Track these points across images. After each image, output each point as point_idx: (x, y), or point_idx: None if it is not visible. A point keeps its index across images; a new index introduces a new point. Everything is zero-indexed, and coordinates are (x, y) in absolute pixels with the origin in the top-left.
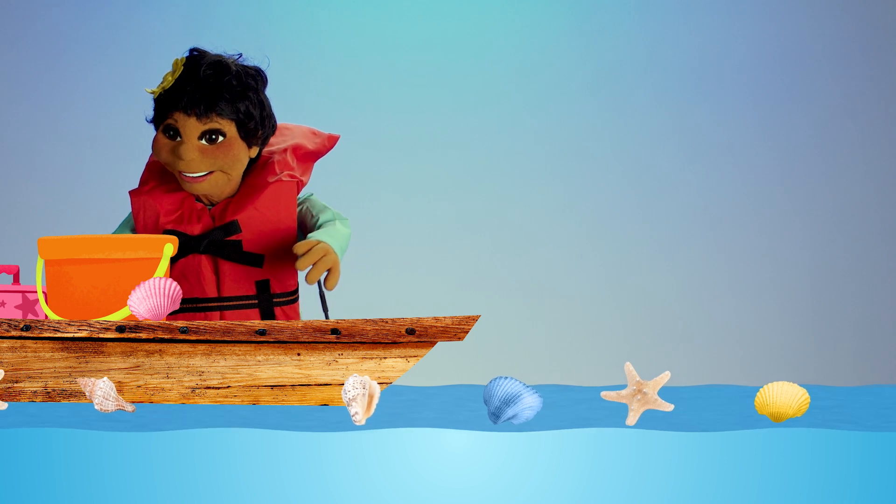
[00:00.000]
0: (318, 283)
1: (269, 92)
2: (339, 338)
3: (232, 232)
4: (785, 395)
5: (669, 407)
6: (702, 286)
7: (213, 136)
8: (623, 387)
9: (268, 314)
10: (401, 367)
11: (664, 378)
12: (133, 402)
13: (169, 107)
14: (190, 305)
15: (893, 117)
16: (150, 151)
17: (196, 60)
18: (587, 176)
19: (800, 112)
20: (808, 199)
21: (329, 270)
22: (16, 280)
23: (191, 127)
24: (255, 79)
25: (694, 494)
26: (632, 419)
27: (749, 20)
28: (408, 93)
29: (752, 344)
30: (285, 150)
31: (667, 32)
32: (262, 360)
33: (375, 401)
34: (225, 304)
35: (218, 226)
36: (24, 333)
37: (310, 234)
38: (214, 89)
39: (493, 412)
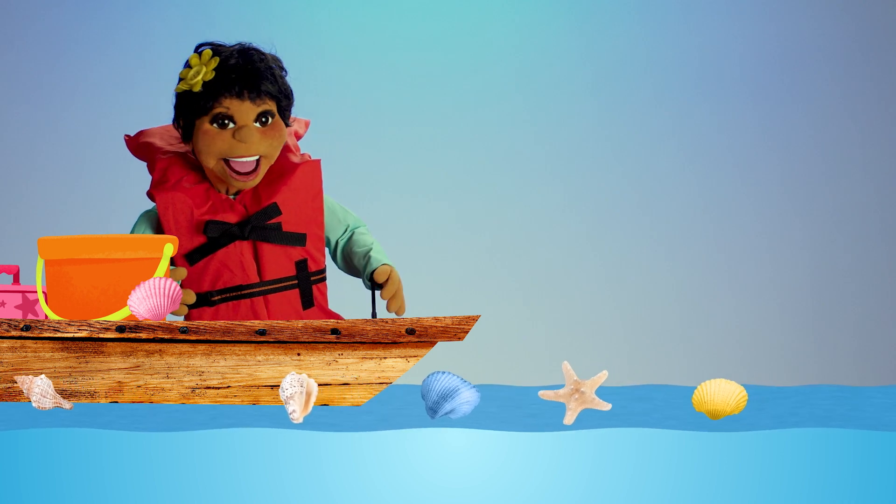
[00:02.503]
0: (375, 294)
1: None
2: (339, 338)
3: (272, 215)
4: (722, 393)
5: (607, 406)
6: (702, 286)
7: (266, 118)
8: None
9: (307, 293)
10: (401, 367)
11: (602, 377)
12: (133, 402)
13: (216, 95)
14: (234, 294)
15: (893, 117)
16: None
17: (222, 51)
18: (587, 176)
19: (800, 112)
20: (808, 199)
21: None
22: (16, 280)
23: (246, 110)
24: (278, 62)
25: (695, 494)
26: (569, 418)
27: (749, 20)
28: (408, 93)
29: (752, 344)
30: (290, 133)
31: (667, 32)
32: (262, 360)
33: (313, 399)
34: (267, 287)
35: (257, 211)
36: (24, 333)
37: (377, 257)
38: (259, 72)
39: (430, 407)
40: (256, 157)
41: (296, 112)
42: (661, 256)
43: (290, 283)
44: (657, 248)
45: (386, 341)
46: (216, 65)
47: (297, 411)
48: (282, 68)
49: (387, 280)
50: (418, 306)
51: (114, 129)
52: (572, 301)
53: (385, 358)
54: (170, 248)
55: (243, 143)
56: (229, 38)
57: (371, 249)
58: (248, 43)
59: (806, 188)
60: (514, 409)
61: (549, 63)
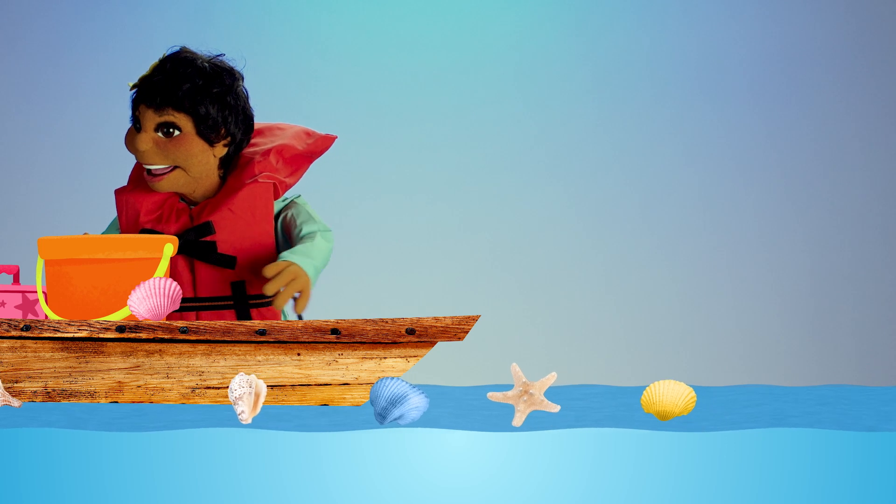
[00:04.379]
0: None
1: (269, 93)
2: (339, 338)
3: (206, 233)
4: (671, 394)
5: (556, 408)
6: (702, 286)
7: (169, 130)
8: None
9: (243, 316)
10: (401, 367)
11: (550, 379)
12: (133, 402)
13: (136, 99)
14: None
15: (893, 117)
16: None
17: (170, 57)
18: (587, 176)
19: (800, 111)
20: (808, 199)
21: (300, 293)
22: (16, 280)
23: (148, 118)
24: (224, 78)
25: (695, 494)
26: (518, 420)
27: (749, 19)
28: (408, 93)
29: (752, 344)
30: (268, 152)
31: (667, 32)
32: (262, 360)
33: (262, 400)
34: (200, 304)
35: (193, 226)
36: (24, 333)
37: (283, 254)
38: (173, 83)
39: (379, 413)
40: (159, 166)
41: (296, 114)
42: (661, 256)
43: (226, 303)
44: (657, 249)
45: (386, 341)
46: (152, 68)
47: (245, 412)
48: (224, 87)
49: (276, 274)
50: (418, 306)
51: (114, 129)
52: (572, 301)
53: (385, 358)
54: (170, 248)
55: (136, 151)
56: (229, 38)
57: (291, 249)
58: (218, 55)
59: (806, 188)
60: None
61: (549, 63)
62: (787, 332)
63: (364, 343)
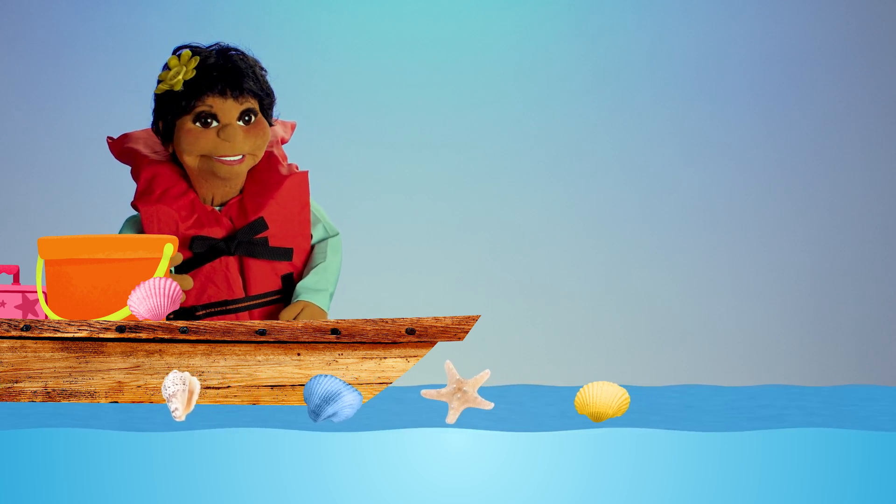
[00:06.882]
0: None
1: None
2: (339, 338)
3: (259, 229)
4: (605, 396)
5: (489, 405)
6: (702, 286)
7: (249, 117)
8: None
9: None
10: (401, 367)
11: (484, 376)
12: (133, 402)
13: (198, 93)
14: (219, 309)
15: (894, 117)
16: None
17: (201, 51)
18: (587, 176)
19: (800, 111)
20: (808, 199)
21: None
22: (16, 280)
23: (229, 107)
24: (258, 63)
25: (696, 494)
26: (451, 417)
27: (749, 19)
28: (408, 93)
29: (752, 344)
30: (277, 142)
31: (667, 32)
32: (262, 360)
33: (195, 397)
34: (253, 302)
35: (244, 225)
36: (24, 333)
37: (297, 289)
38: (240, 71)
39: (313, 410)
40: (241, 156)
41: (296, 114)
42: (661, 256)
43: (276, 297)
44: (657, 249)
45: (386, 341)
46: (196, 64)
47: (179, 409)
48: (262, 68)
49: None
50: (418, 306)
51: (114, 129)
52: (572, 301)
53: (385, 358)
54: (170, 248)
55: (227, 143)
56: (229, 38)
57: (305, 276)
58: (226, 44)
59: (806, 188)
60: (513, 408)
61: (549, 63)
62: (788, 332)
63: (364, 343)
